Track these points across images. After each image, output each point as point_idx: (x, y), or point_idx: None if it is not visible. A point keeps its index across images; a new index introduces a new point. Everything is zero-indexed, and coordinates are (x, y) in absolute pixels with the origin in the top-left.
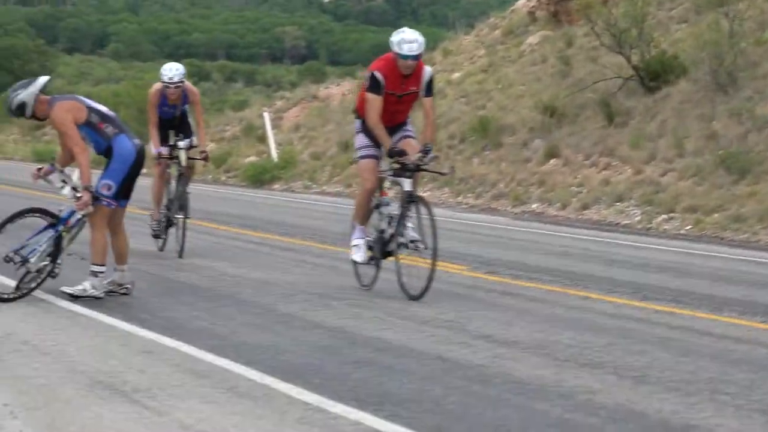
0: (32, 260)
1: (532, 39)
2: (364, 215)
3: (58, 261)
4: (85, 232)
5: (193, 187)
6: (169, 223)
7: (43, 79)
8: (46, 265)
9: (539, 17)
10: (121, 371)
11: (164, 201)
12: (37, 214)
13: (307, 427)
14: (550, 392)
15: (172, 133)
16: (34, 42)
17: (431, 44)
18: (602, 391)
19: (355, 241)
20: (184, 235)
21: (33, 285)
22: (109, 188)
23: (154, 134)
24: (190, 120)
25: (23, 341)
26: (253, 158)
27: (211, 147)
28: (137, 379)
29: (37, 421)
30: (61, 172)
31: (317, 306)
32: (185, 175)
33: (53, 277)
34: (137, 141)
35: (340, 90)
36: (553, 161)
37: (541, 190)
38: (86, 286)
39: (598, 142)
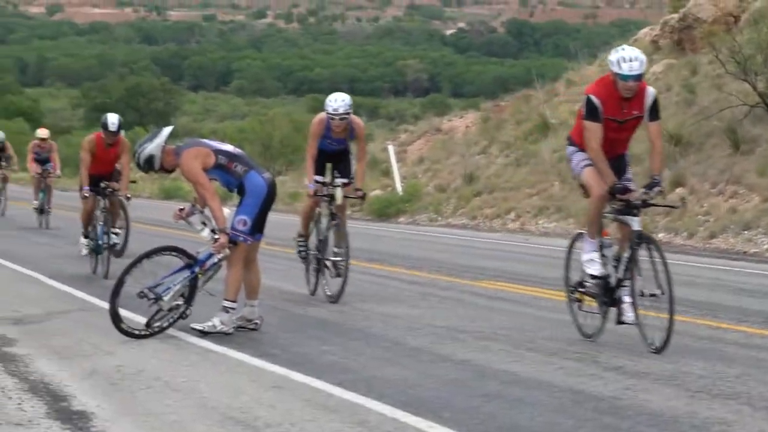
0: (165, 299)
1: (656, 67)
2: (597, 227)
3: (191, 303)
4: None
5: None
6: (319, 266)
7: (167, 130)
8: (178, 305)
9: (663, 46)
10: (252, 407)
11: (313, 241)
12: (175, 253)
13: None
14: (683, 424)
15: (329, 167)
16: (160, 80)
17: (553, 74)
18: (737, 422)
19: (587, 255)
20: (345, 278)
21: (165, 324)
22: (245, 223)
23: (310, 167)
24: (352, 157)
25: (155, 377)
26: (378, 191)
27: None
28: (269, 415)
29: None
30: (202, 213)
31: (445, 339)
32: (338, 215)
33: (184, 317)
34: (267, 175)
35: (464, 122)
36: (679, 190)
37: (667, 220)
38: (216, 322)
39: (724, 170)
